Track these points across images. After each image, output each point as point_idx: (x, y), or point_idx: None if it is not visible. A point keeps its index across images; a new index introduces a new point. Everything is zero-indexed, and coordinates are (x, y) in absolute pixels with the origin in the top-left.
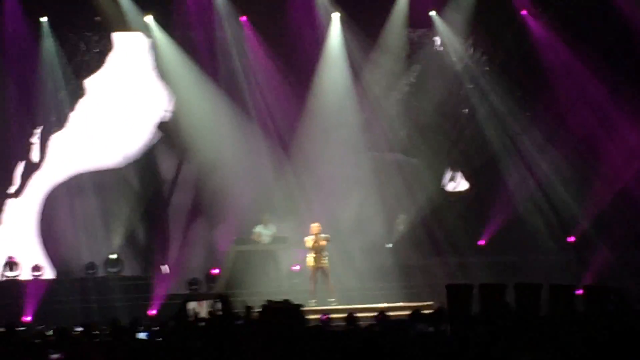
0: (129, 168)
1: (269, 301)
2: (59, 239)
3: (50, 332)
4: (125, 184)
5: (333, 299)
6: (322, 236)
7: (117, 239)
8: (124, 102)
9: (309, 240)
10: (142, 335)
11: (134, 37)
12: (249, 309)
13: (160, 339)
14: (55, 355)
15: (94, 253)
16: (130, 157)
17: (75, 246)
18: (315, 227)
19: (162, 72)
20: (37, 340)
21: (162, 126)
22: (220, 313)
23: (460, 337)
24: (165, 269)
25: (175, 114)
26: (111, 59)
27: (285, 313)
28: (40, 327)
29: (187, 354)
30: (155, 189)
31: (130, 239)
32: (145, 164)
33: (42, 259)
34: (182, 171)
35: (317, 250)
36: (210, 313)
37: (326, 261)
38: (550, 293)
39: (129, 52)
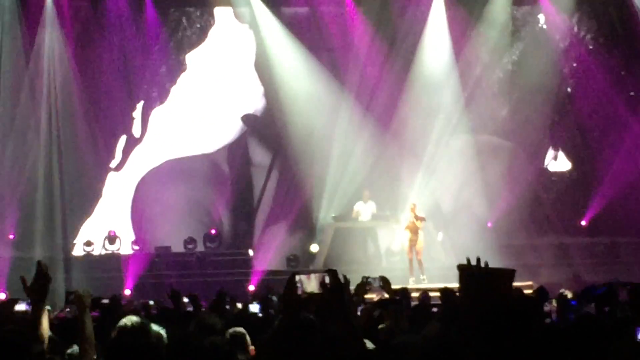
0: (222, 153)
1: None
2: (154, 219)
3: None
4: (219, 170)
5: (424, 277)
6: (419, 215)
7: (214, 218)
8: (223, 82)
9: (406, 220)
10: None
11: (235, 13)
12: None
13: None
14: None
15: (192, 229)
16: (227, 140)
17: (172, 224)
18: (412, 206)
19: (263, 48)
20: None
21: (252, 117)
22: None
23: None
24: (251, 252)
25: (275, 90)
26: (213, 34)
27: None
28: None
29: (299, 327)
30: (248, 172)
31: (226, 218)
32: (239, 148)
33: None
34: (280, 151)
35: (413, 229)
36: (322, 285)
37: (421, 240)
38: None
39: (230, 28)
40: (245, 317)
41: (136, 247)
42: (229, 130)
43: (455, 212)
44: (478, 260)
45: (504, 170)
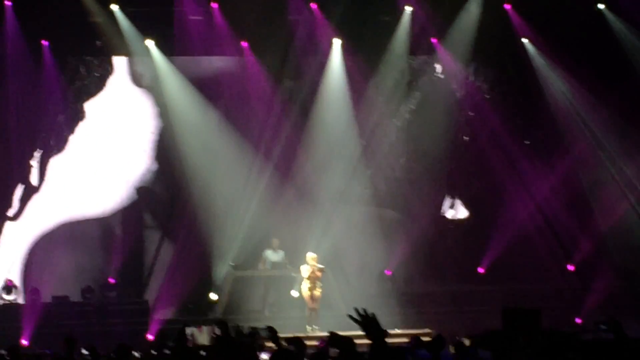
0: (117, 216)
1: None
2: (49, 280)
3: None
4: (113, 234)
5: (316, 327)
6: (318, 267)
7: (116, 263)
8: (121, 134)
9: (305, 270)
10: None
11: (132, 75)
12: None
13: None
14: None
15: (91, 277)
16: (122, 203)
17: (71, 271)
18: (311, 257)
19: (161, 96)
20: None
21: (145, 190)
22: (219, 338)
23: None
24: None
25: (174, 143)
26: (111, 83)
27: None
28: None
29: None
30: (141, 234)
31: (127, 265)
32: (134, 211)
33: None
34: (178, 200)
35: (313, 279)
36: (212, 339)
37: (319, 291)
38: None
39: (128, 77)
40: None
41: (34, 297)
42: (124, 192)
43: (354, 258)
44: (364, 310)
45: (403, 232)
